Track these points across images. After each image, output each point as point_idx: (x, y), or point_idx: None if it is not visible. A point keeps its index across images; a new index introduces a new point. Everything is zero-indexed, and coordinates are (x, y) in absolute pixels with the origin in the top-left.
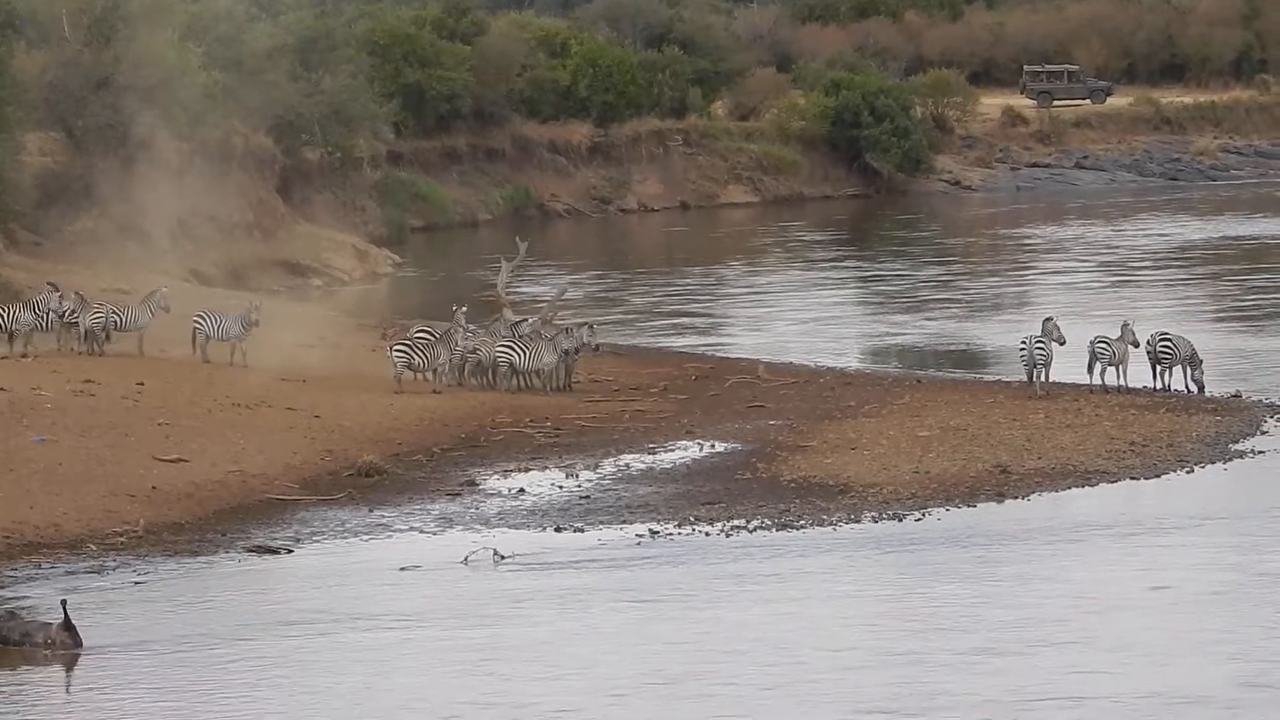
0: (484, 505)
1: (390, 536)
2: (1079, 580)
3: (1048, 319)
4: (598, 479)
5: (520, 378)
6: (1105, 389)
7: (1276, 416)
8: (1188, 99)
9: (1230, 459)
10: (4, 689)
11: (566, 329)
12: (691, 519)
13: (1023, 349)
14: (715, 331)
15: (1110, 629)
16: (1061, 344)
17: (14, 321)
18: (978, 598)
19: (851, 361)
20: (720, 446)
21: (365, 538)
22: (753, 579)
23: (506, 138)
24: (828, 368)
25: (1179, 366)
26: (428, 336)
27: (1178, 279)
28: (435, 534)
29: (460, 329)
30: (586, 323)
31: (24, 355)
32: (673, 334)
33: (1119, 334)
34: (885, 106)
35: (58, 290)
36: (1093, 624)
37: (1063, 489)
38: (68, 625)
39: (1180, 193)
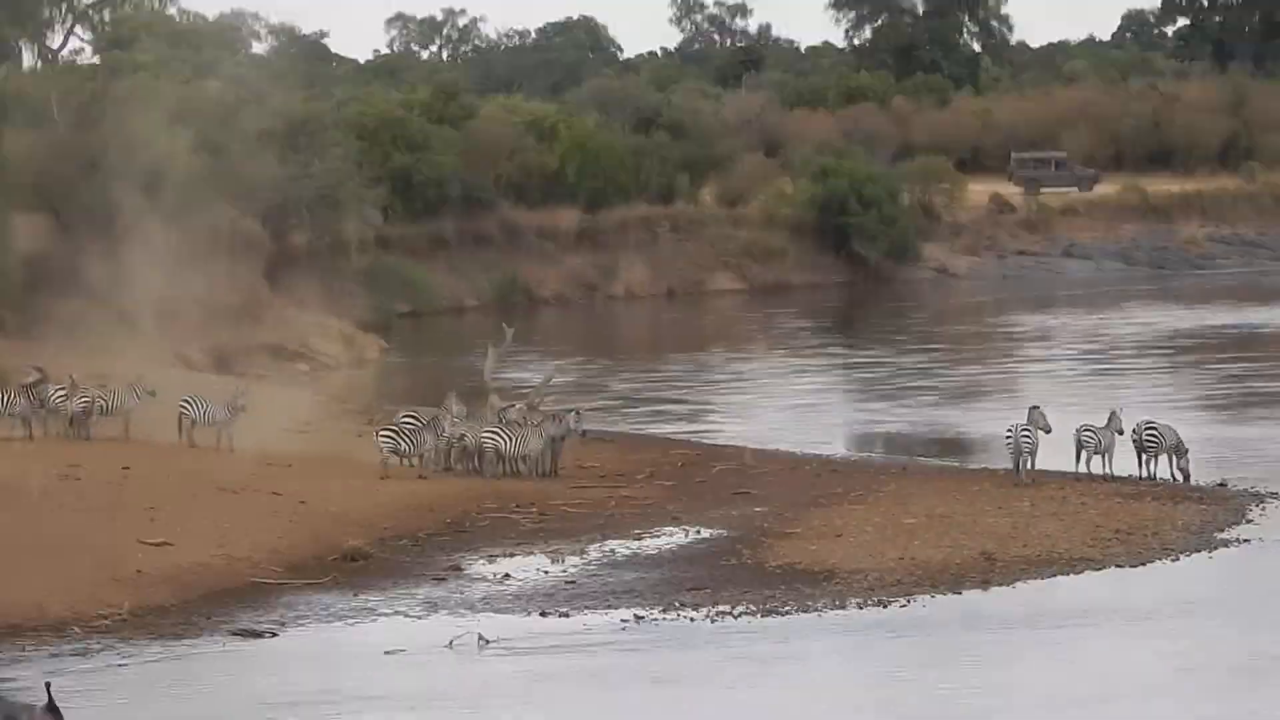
0: (469, 590)
1: (375, 620)
2: (1063, 669)
3: (1034, 407)
4: (583, 564)
5: (506, 463)
6: (1091, 477)
7: (1262, 505)
8: (1175, 187)
9: (1216, 547)
10: None
11: (554, 415)
12: (677, 605)
13: (1009, 437)
14: (701, 418)
15: (1093, 717)
16: (1048, 432)
17: (9, 406)
18: (962, 685)
19: (838, 449)
20: (706, 532)
21: (350, 621)
22: (737, 664)
23: (495, 223)
24: (814, 455)
25: (1165, 455)
26: (414, 422)
27: (1164, 368)
28: (420, 618)
29: (448, 415)
30: (573, 409)
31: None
32: (659, 421)
33: (1105, 422)
34: (873, 193)
35: (43, 375)
36: (1075, 714)
37: (1048, 576)
38: (51, 708)
39: (1167, 281)
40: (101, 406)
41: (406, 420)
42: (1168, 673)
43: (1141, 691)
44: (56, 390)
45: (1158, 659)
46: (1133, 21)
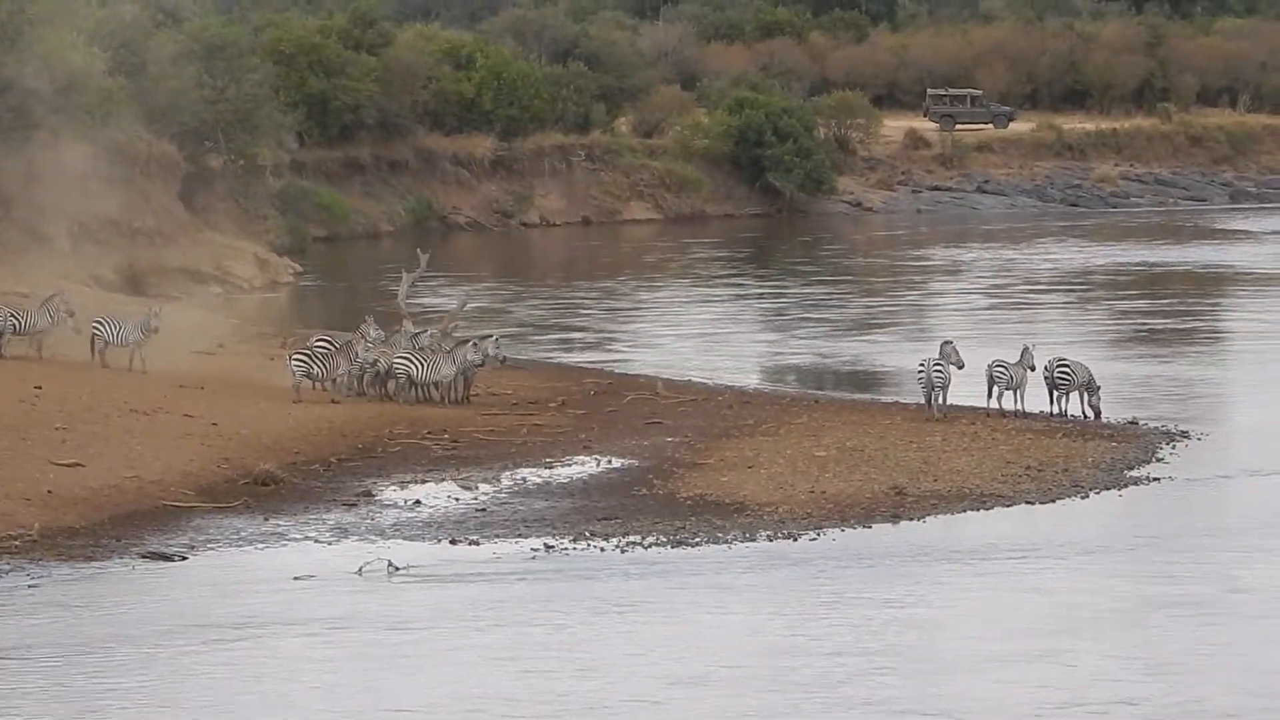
0: (380, 516)
1: (285, 545)
2: (971, 604)
3: (946, 342)
4: (494, 492)
5: (418, 389)
6: (1003, 413)
7: (1172, 444)
8: (1090, 126)
9: (1125, 485)
10: None
11: (471, 341)
12: (587, 534)
13: (920, 371)
14: (614, 347)
15: (996, 649)
16: (960, 367)
17: None
18: (869, 618)
19: (750, 380)
20: (617, 463)
21: (260, 546)
22: (645, 595)
23: (410, 149)
24: (726, 386)
25: (1076, 392)
26: (327, 347)
27: (1076, 304)
28: (330, 544)
29: (364, 340)
30: (490, 335)
31: None
32: (572, 349)
33: (1017, 358)
34: (788, 126)
35: None
36: (978, 647)
37: (958, 512)
38: None
39: (1080, 219)
40: (14, 325)
41: (320, 344)
42: (1070, 609)
43: (1043, 628)
44: None
45: (1062, 595)
46: None
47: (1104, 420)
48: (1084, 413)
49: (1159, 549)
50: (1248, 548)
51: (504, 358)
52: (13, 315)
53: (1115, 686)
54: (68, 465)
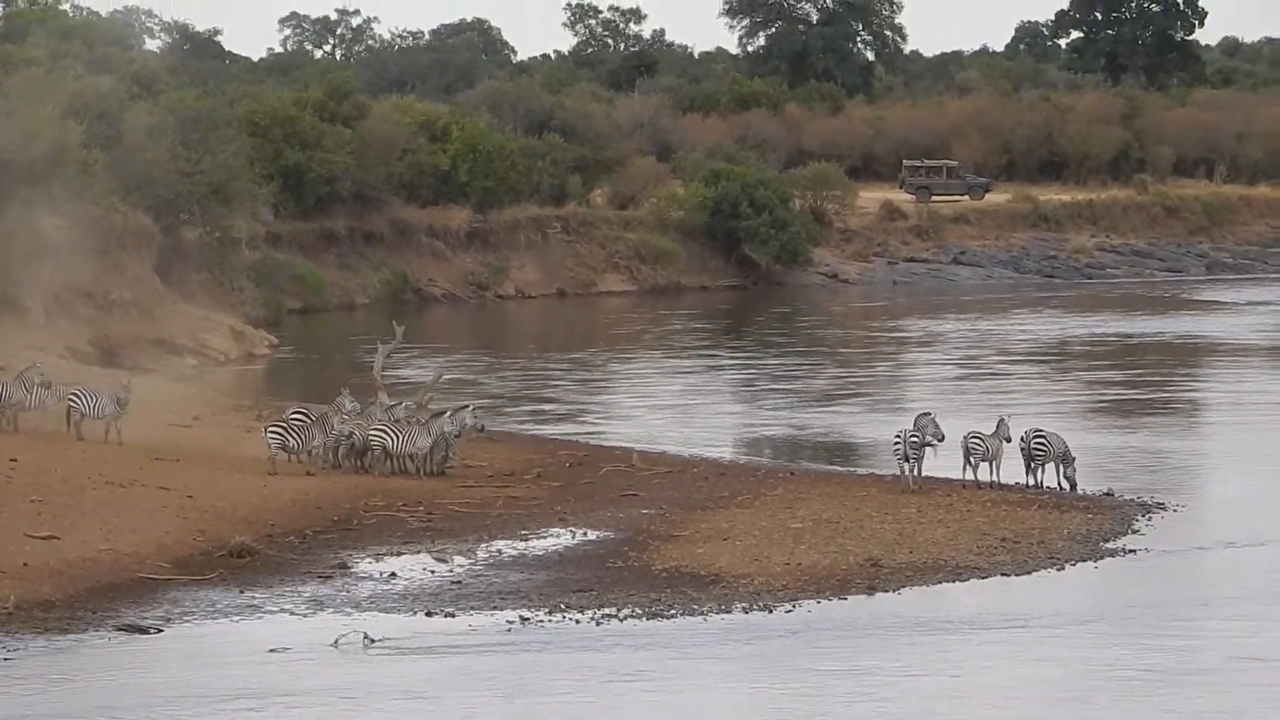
0: (355, 588)
1: (261, 617)
2: (945, 674)
3: (923, 414)
4: (470, 564)
5: (394, 461)
6: (978, 484)
7: (1148, 515)
8: (1066, 197)
9: (1101, 557)
10: None
11: (447, 413)
12: (562, 606)
13: (897, 443)
14: (589, 419)
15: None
16: (940, 440)
17: None
18: (844, 691)
19: (725, 452)
20: (593, 534)
21: (236, 618)
22: (621, 668)
23: (385, 221)
24: (702, 457)
25: (1052, 463)
26: (303, 419)
27: (1052, 376)
28: (306, 616)
29: (338, 412)
30: (466, 405)
31: None
32: (547, 420)
33: (993, 430)
34: (764, 198)
35: None
36: (955, 717)
37: (933, 583)
38: None
39: (1057, 290)
40: None
41: (295, 416)
42: (1045, 682)
43: (1018, 700)
44: None
45: (1037, 667)
46: (1026, 33)
47: (1080, 492)
48: (1060, 484)
49: (1150, 619)
50: (1243, 616)
51: (482, 426)
52: None
53: None
54: (43, 538)
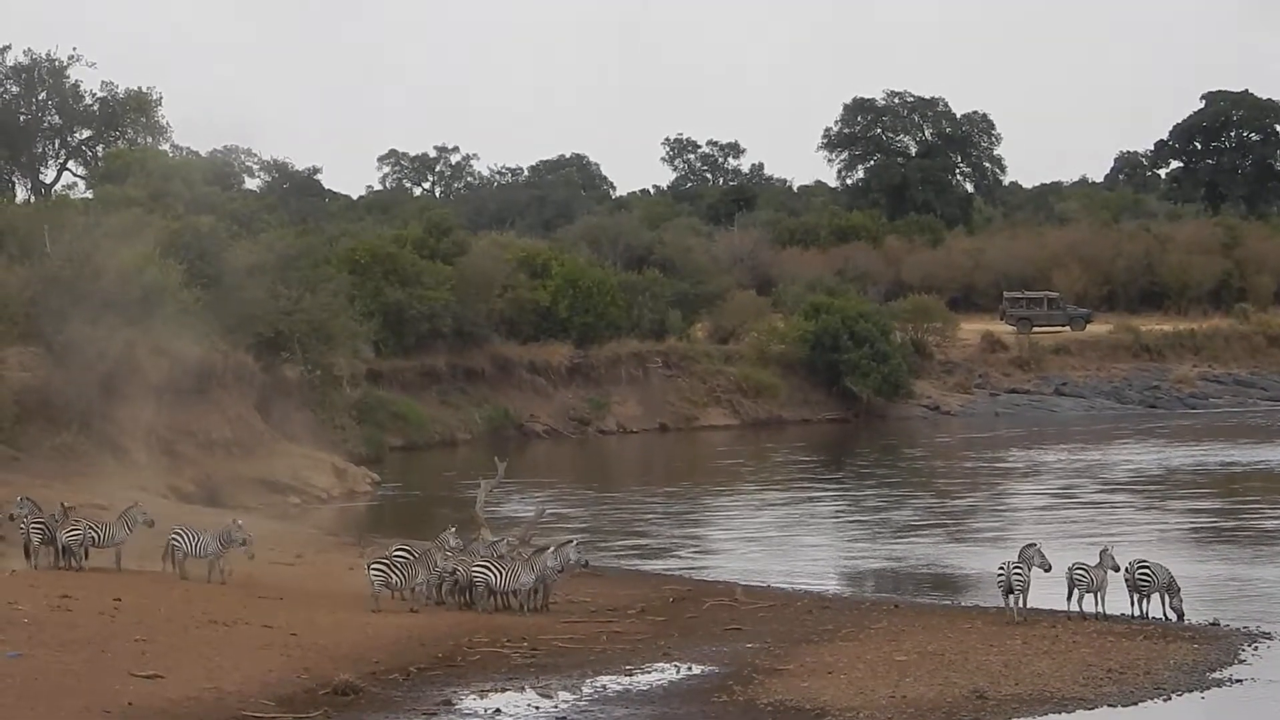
0: None
1: None
2: None
3: (1029, 545)
4: (574, 700)
5: (497, 597)
6: (1083, 615)
7: (1255, 645)
8: (1167, 326)
9: (1208, 687)
10: None
11: (551, 548)
12: None
13: (1000, 574)
14: (693, 554)
15: None
16: (1046, 570)
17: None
18: None
19: (829, 585)
20: (697, 669)
21: None
22: None
23: (486, 357)
24: (805, 591)
25: (1157, 594)
26: (406, 555)
27: (1156, 506)
28: None
29: (441, 549)
30: (569, 540)
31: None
32: (650, 556)
33: (1097, 560)
34: (865, 331)
35: (37, 506)
36: None
37: (1039, 715)
38: None
39: (1159, 420)
40: (94, 538)
41: (399, 554)
42: None
43: None
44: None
45: None
46: (1125, 164)
47: (1186, 622)
48: (1165, 615)
49: None
50: None
51: (586, 561)
52: (91, 528)
53: None
54: (147, 676)
